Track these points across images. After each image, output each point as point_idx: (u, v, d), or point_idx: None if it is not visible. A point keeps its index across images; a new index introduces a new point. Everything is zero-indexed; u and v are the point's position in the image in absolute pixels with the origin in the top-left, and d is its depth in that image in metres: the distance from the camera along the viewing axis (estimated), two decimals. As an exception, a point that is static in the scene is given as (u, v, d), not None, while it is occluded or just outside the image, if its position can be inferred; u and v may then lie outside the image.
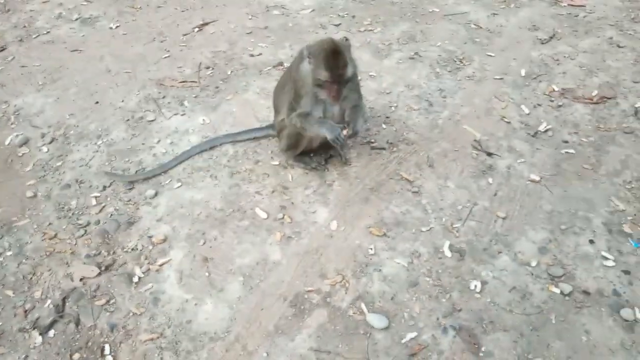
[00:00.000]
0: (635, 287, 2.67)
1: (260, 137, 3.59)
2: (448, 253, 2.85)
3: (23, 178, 3.39)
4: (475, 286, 2.69)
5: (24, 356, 2.46)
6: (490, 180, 3.27)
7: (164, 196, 3.22)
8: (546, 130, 3.63)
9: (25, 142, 3.66)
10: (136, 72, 4.34)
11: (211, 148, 3.53)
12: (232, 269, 2.79)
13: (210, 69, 4.34)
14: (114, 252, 2.90)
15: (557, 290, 2.66)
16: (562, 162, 3.39)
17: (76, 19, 5.12)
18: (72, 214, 3.14)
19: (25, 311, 2.63)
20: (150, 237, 2.97)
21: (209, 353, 2.45)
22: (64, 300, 2.67)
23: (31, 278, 2.79)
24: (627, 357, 2.39)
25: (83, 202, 3.21)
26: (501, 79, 4.12)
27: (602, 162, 3.39)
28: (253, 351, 2.45)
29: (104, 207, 3.17)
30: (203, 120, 3.80)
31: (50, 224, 3.08)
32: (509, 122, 3.71)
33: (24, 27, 5.01)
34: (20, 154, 3.57)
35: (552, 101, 3.89)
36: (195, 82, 4.20)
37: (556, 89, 3.99)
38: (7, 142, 3.67)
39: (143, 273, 2.78)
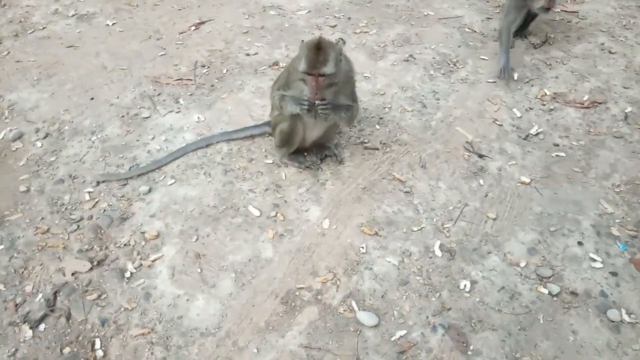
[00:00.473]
0: (622, 288, 2.71)
1: (257, 134, 3.61)
2: (439, 253, 2.88)
3: (16, 172, 3.38)
4: (465, 286, 2.72)
5: (13, 350, 2.46)
6: (481, 181, 3.31)
7: (158, 192, 3.23)
8: (537, 134, 3.67)
9: (19, 137, 3.65)
10: (132, 69, 4.34)
11: (207, 145, 3.55)
12: (224, 266, 2.81)
13: (206, 67, 4.36)
14: (106, 248, 2.91)
15: (546, 291, 2.70)
16: (552, 165, 3.43)
17: (72, 15, 5.12)
18: (65, 208, 3.14)
19: (16, 305, 2.63)
20: (143, 233, 2.98)
21: (199, 348, 2.46)
22: (55, 294, 2.67)
23: (22, 272, 2.79)
24: (612, 357, 2.43)
25: (76, 197, 3.21)
26: (494, 82, 4.16)
27: (592, 166, 3.43)
28: (244, 347, 2.46)
29: (97, 202, 3.17)
30: (198, 118, 3.81)
31: (42, 218, 3.08)
32: (500, 125, 3.75)
33: (20, 22, 5.00)
34: (13, 149, 3.57)
35: (543, 105, 3.94)
36: (191, 80, 4.21)
37: (548, 93, 4.05)
38: (0, 137, 3.66)
39: (135, 268, 2.79)
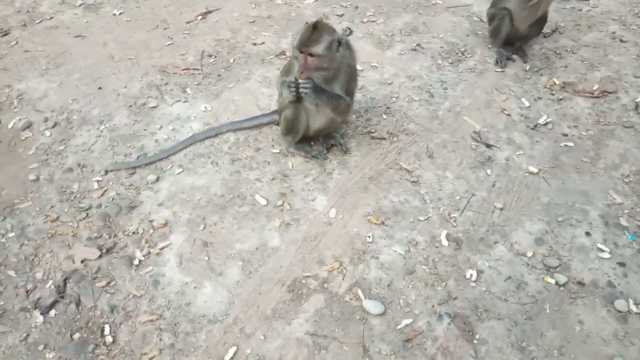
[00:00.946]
0: (630, 279, 2.70)
1: (265, 123, 3.61)
2: (445, 242, 2.88)
3: (25, 161, 3.41)
4: (471, 275, 2.72)
5: (25, 335, 2.50)
6: (488, 171, 3.29)
7: (165, 181, 3.25)
8: (546, 123, 3.64)
9: (28, 126, 3.68)
10: (139, 59, 4.35)
11: (216, 135, 3.55)
12: (231, 254, 2.83)
13: (213, 57, 4.35)
14: (115, 235, 2.94)
15: (552, 281, 2.69)
16: (560, 155, 3.41)
17: (80, 5, 5.13)
18: (74, 197, 3.17)
19: (27, 291, 2.67)
20: (151, 221, 3.00)
21: (207, 335, 2.49)
22: (65, 281, 2.71)
23: (33, 259, 2.83)
24: (619, 348, 2.43)
25: (85, 186, 3.24)
26: (502, 71, 4.12)
27: (601, 156, 3.40)
28: (250, 334, 2.49)
29: (105, 191, 3.20)
30: (205, 107, 3.82)
31: (52, 206, 3.11)
32: (509, 115, 3.72)
33: (28, 12, 5.02)
34: (23, 138, 3.60)
35: (552, 94, 3.90)
36: (198, 69, 4.22)
37: (557, 82, 4.00)
38: (10, 126, 3.69)
39: (143, 256, 2.82)
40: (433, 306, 2.60)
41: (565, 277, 2.71)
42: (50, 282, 2.71)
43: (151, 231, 2.95)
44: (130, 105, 3.85)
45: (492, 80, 4.05)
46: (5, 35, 4.69)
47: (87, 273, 2.75)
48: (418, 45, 4.42)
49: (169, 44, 4.53)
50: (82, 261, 2.79)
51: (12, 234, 2.96)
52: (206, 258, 2.81)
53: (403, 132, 3.59)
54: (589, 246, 2.86)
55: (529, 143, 3.50)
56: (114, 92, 4.00)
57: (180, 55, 4.38)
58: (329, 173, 3.30)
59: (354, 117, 3.71)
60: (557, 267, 2.76)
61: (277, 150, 3.45)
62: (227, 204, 3.10)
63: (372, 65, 4.19)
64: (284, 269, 2.76)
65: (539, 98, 3.87)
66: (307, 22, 2.93)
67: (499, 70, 4.13)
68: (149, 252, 2.84)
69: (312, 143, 3.47)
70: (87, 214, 3.06)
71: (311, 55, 2.84)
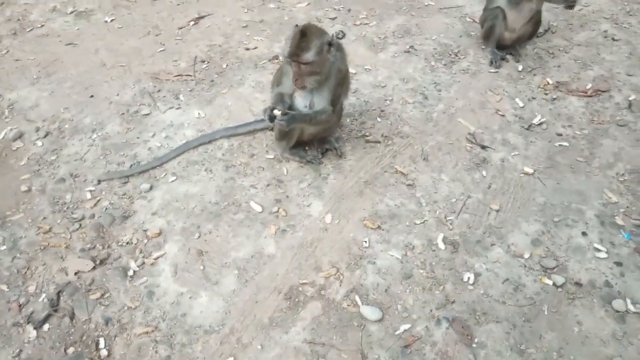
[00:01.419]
0: (627, 278, 2.69)
1: (259, 129, 3.59)
2: (442, 245, 2.87)
3: (17, 172, 3.38)
4: (469, 278, 2.71)
5: (18, 350, 2.46)
6: (484, 173, 3.28)
7: (159, 190, 3.22)
8: (540, 123, 3.64)
9: (19, 136, 3.65)
10: (131, 66, 4.32)
11: (210, 142, 3.53)
12: (226, 262, 2.80)
13: (206, 62, 4.33)
14: (108, 246, 2.91)
15: (550, 282, 2.68)
16: (555, 155, 3.40)
17: (71, 12, 5.09)
18: (67, 208, 3.14)
19: (20, 305, 2.64)
20: (145, 230, 2.97)
21: (203, 346, 2.46)
22: (58, 294, 2.67)
23: (25, 272, 2.79)
24: (618, 348, 2.42)
25: (78, 196, 3.21)
26: (496, 72, 4.12)
27: (596, 155, 3.40)
28: (247, 344, 2.46)
29: (98, 201, 3.17)
30: (198, 114, 3.79)
31: (44, 218, 3.08)
32: (503, 115, 3.71)
33: (18, 20, 4.98)
34: (14, 148, 3.56)
35: (546, 94, 3.90)
36: (191, 75, 4.19)
37: (551, 82, 4.00)
38: (1, 136, 3.65)
39: (138, 267, 2.79)
40: (431, 310, 2.58)
41: (563, 278, 2.70)
42: (44, 295, 2.67)
43: (145, 241, 2.92)
44: (123, 113, 3.82)
45: (486, 81, 4.05)
46: (-5, 44, 4.65)
47: (81, 285, 2.72)
48: (411, 47, 4.41)
49: (161, 50, 4.50)
50: (75, 273, 2.76)
51: (4, 246, 2.92)
52: (201, 267, 2.78)
53: (398, 135, 3.58)
54: (586, 246, 2.85)
55: (524, 143, 3.49)
56: (106, 100, 3.96)
57: (173, 62, 4.36)
58: (324, 178, 3.28)
59: (348, 120, 3.69)
60: (554, 268, 2.75)
61: (272, 156, 3.43)
62: (221, 212, 3.07)
63: (366, 68, 4.18)
64: (280, 276, 2.74)
65: (533, 98, 3.87)
66: (296, 26, 2.90)
67: (492, 70, 4.13)
68: (144, 263, 2.81)
69: (306, 148, 3.45)
70: (80, 225, 3.03)
71: (302, 63, 2.82)
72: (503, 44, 4.23)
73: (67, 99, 3.99)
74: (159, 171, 3.35)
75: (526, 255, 2.81)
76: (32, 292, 2.69)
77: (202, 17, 4.94)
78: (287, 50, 2.81)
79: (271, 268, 2.78)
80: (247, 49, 4.47)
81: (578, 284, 2.68)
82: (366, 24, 4.75)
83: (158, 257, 2.83)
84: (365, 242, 2.88)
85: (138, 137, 3.62)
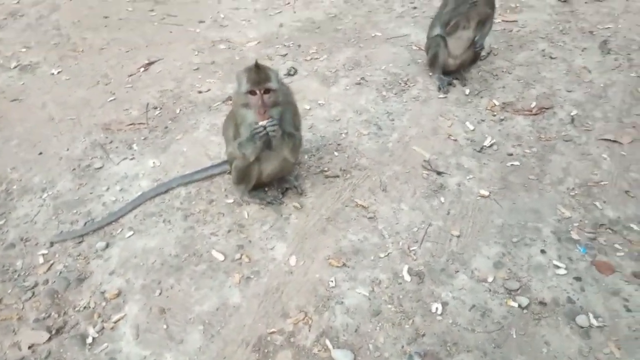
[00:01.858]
0: (587, 292, 2.77)
1: (217, 173, 3.55)
2: (407, 277, 2.87)
3: (-38, 242, 3.20)
4: (437, 308, 2.71)
5: None
6: (442, 199, 3.34)
7: (116, 247, 3.11)
8: (491, 145, 3.75)
9: (-37, 203, 3.47)
10: (81, 118, 4.22)
11: (166, 191, 3.46)
12: (190, 318, 2.71)
13: (158, 109, 4.28)
14: (64, 313, 2.77)
15: (515, 304, 2.72)
16: (508, 175, 3.51)
17: (15, 67, 4.96)
18: (18, 275, 2.99)
19: (-30, 389, 2.46)
20: (102, 292, 2.85)
21: (171, 411, 2.35)
22: (12, 371, 2.51)
23: (-25, 351, 2.62)
24: (585, 364, 2.46)
25: (29, 261, 3.06)
26: (445, 97, 4.25)
27: (546, 172, 3.53)
28: (218, 403, 2.37)
29: (52, 265, 3.03)
30: (153, 163, 3.72)
31: (-7, 289, 2.91)
32: (455, 140, 3.82)
33: (-42, 79, 4.81)
34: (-42, 216, 3.38)
35: (494, 115, 4.04)
36: (143, 123, 4.13)
37: (497, 103, 4.16)
38: (-57, 205, 3.47)
39: (97, 332, 2.66)
40: (402, 347, 2.56)
41: (527, 298, 2.74)
42: (-5, 375, 2.51)
43: (104, 304, 2.80)
44: (74, 169, 3.71)
45: (436, 107, 4.16)
46: None
47: None
48: (362, 78, 4.51)
49: (111, 100, 4.43)
50: (29, 347, 2.60)
51: (-50, 325, 2.74)
52: (164, 326, 2.68)
53: (355, 167, 3.61)
54: (546, 264, 2.92)
55: (478, 166, 3.59)
56: (56, 155, 3.84)
57: (124, 110, 4.29)
58: (285, 218, 3.26)
59: (306, 156, 3.71)
60: (517, 289, 2.80)
61: (231, 200, 3.39)
62: (182, 264, 2.99)
63: (319, 103, 4.23)
64: (247, 327, 2.67)
65: (482, 120, 4.00)
66: (246, 67, 2.92)
67: (441, 96, 4.26)
68: (103, 327, 2.68)
69: (266, 189, 3.43)
70: (33, 293, 2.88)
71: (267, 91, 2.82)
72: (448, 69, 4.38)
73: (14, 157, 3.85)
74: (114, 227, 3.24)
75: (490, 279, 2.85)
76: (-18, 374, 2.53)
77: (152, 63, 4.91)
78: (247, 84, 2.82)
79: (237, 319, 2.70)
80: (200, 92, 4.46)
81: (542, 303, 2.73)
82: (317, 58, 4.84)
83: (118, 320, 2.71)
84: (332, 281, 2.86)
85: (91, 193, 3.51)
